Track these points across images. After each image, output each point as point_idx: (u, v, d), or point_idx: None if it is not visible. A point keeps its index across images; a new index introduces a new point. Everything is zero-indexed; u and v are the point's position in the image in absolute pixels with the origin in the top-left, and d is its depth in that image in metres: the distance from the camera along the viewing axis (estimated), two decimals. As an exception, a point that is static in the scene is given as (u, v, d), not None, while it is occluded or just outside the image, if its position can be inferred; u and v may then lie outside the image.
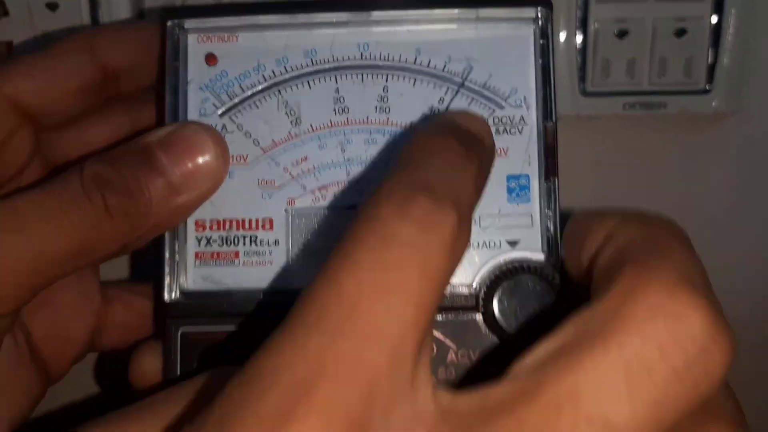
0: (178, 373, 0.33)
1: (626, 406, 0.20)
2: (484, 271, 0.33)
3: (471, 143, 0.27)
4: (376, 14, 0.34)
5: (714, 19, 0.48)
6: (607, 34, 0.48)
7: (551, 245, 0.33)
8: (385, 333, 0.20)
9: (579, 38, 0.49)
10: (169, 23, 0.34)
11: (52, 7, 0.46)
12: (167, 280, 0.33)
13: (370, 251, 0.21)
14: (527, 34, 0.34)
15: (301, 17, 0.34)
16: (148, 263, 0.36)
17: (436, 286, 0.22)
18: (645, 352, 0.20)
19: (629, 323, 0.21)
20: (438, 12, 0.34)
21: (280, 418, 0.19)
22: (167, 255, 0.34)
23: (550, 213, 0.33)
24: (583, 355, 0.20)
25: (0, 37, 0.47)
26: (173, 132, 0.32)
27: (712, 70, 0.48)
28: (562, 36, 0.49)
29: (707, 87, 0.49)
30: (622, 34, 0.48)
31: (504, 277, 0.33)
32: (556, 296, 0.32)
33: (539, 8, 0.34)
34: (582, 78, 0.49)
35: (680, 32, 0.48)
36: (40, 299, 0.31)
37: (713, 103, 0.49)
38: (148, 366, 0.34)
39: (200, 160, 0.31)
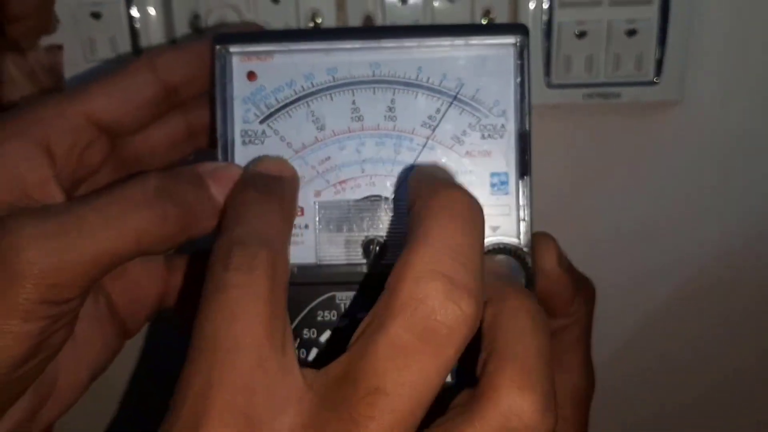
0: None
1: None
2: None
3: (268, 185, 0.35)
4: (385, 42, 0.39)
5: (661, 20, 0.53)
6: (568, 34, 0.53)
7: (524, 231, 0.38)
8: (244, 344, 0.28)
9: (544, 38, 0.54)
10: (217, 47, 0.40)
11: (96, 16, 0.52)
12: None
13: (214, 298, 0.29)
14: (507, 56, 0.38)
15: (325, 44, 0.40)
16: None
17: (270, 303, 0.29)
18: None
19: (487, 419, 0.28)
20: (435, 41, 0.40)
21: (194, 422, 0.27)
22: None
23: (524, 204, 0.38)
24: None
25: (53, 41, 0.53)
26: (220, 168, 0.37)
27: (659, 64, 0.53)
28: (530, 36, 0.53)
29: (655, 79, 0.53)
30: (581, 34, 0.53)
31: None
32: (526, 271, 0.38)
33: (517, 36, 0.38)
34: (547, 72, 0.54)
35: (631, 32, 0.52)
36: (117, 271, 0.35)
37: (661, 93, 0.54)
38: None
39: None
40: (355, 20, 0.54)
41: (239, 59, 0.40)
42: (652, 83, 0.54)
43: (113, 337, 0.41)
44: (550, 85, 0.54)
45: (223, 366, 0.28)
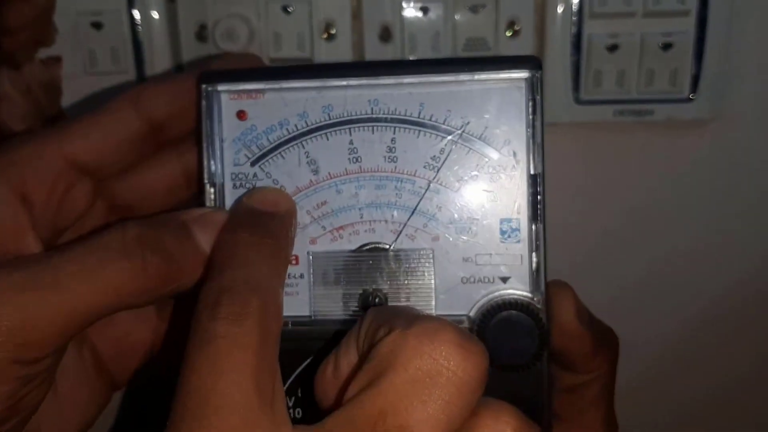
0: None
1: None
2: (479, 304, 0.35)
3: (262, 225, 0.32)
4: (384, 79, 0.35)
5: (698, 33, 0.49)
6: (598, 47, 0.49)
7: (537, 283, 0.35)
8: (232, 402, 0.25)
9: (573, 51, 0.50)
10: (203, 86, 0.36)
11: (97, 26, 0.49)
12: None
13: (200, 350, 0.26)
14: (519, 92, 0.35)
15: (319, 81, 0.35)
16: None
17: (260, 355, 0.27)
18: None
19: None
20: (439, 77, 0.35)
21: None
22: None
23: (536, 254, 0.35)
24: None
25: (51, 52, 0.50)
26: (207, 214, 0.33)
27: (695, 80, 0.50)
28: (558, 49, 0.50)
29: (691, 96, 0.50)
30: (612, 47, 0.49)
31: (496, 311, 0.35)
32: (540, 329, 0.34)
33: (530, 70, 0.34)
34: (576, 87, 0.51)
35: (666, 46, 0.49)
36: (104, 320, 0.32)
37: (696, 111, 0.50)
38: None
39: None
40: (371, 31, 0.51)
41: (228, 98, 0.37)
42: (687, 100, 0.50)
43: (100, 390, 0.38)
44: (578, 101, 0.51)
45: (210, 425, 0.25)
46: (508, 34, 0.50)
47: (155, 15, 0.50)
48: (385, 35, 0.50)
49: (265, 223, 0.33)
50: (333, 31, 0.50)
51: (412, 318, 0.28)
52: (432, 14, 0.49)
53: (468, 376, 0.26)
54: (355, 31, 0.51)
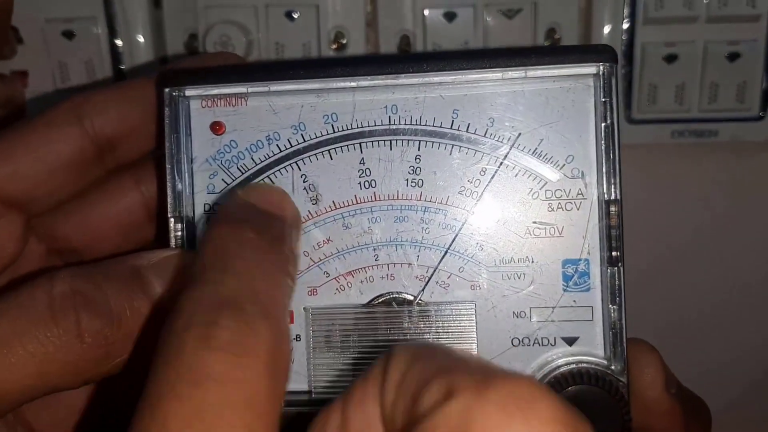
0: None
1: None
2: (538, 376, 0.27)
3: (270, 225, 0.24)
4: (405, 78, 0.27)
5: None
6: (654, 58, 0.43)
7: (615, 346, 0.27)
8: None
9: (625, 63, 0.44)
10: (166, 90, 0.28)
11: (68, 35, 0.42)
12: None
13: (179, 400, 0.18)
14: (586, 92, 0.27)
15: (320, 81, 0.28)
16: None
17: (264, 411, 0.18)
18: None
19: None
20: (479, 73, 0.27)
21: None
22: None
23: (615, 307, 0.27)
24: None
25: (15, 66, 0.43)
26: (169, 258, 0.26)
27: (766, 95, 0.44)
28: None
29: (761, 113, 0.44)
30: (670, 58, 0.43)
31: (560, 385, 0.26)
32: (620, 408, 0.26)
33: (601, 63, 0.27)
34: (628, 104, 0.44)
35: (733, 56, 0.43)
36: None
37: (767, 131, 0.45)
38: None
39: None
40: (388, 40, 0.43)
41: (199, 103, 0.29)
42: (757, 118, 0.44)
43: None
44: (630, 121, 0.45)
45: None
46: (547, 43, 0.43)
47: (137, 22, 0.43)
48: (405, 45, 0.43)
49: (273, 225, 0.24)
50: (344, 41, 0.43)
51: (483, 373, 0.18)
52: (459, 20, 0.43)
53: None
54: (370, 41, 0.44)
